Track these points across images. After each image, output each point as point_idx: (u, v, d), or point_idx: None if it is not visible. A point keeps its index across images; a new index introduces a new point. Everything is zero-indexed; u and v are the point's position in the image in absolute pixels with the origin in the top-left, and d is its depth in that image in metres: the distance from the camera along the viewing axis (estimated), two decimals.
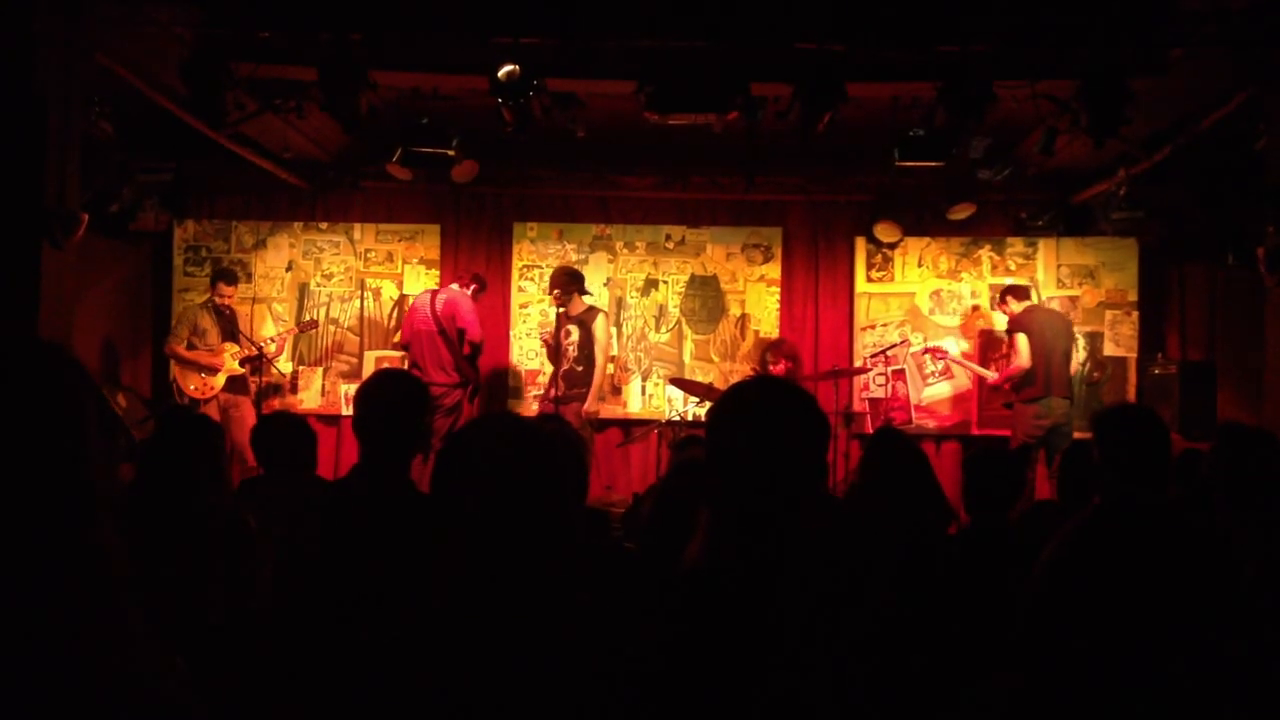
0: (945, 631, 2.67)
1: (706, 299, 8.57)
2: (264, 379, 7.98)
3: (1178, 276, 8.17)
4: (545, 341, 7.53)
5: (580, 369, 7.34)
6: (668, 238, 8.59)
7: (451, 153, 6.92)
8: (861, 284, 8.50)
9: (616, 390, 8.50)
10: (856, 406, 8.34)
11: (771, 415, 1.71)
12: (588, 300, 7.60)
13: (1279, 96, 5.33)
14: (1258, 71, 5.26)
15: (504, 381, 8.52)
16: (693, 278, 8.58)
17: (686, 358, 8.55)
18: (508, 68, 5.37)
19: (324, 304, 8.60)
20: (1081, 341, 8.03)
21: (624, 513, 5.50)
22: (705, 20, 5.36)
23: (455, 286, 7.70)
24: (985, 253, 8.41)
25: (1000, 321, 7.91)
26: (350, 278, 8.62)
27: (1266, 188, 5.36)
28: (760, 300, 8.55)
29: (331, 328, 8.58)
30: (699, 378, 8.22)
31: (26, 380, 1.13)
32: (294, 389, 8.51)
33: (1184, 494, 3.48)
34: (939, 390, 8.39)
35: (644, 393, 8.53)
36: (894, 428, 6.64)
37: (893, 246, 8.43)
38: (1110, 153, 6.55)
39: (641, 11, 5.34)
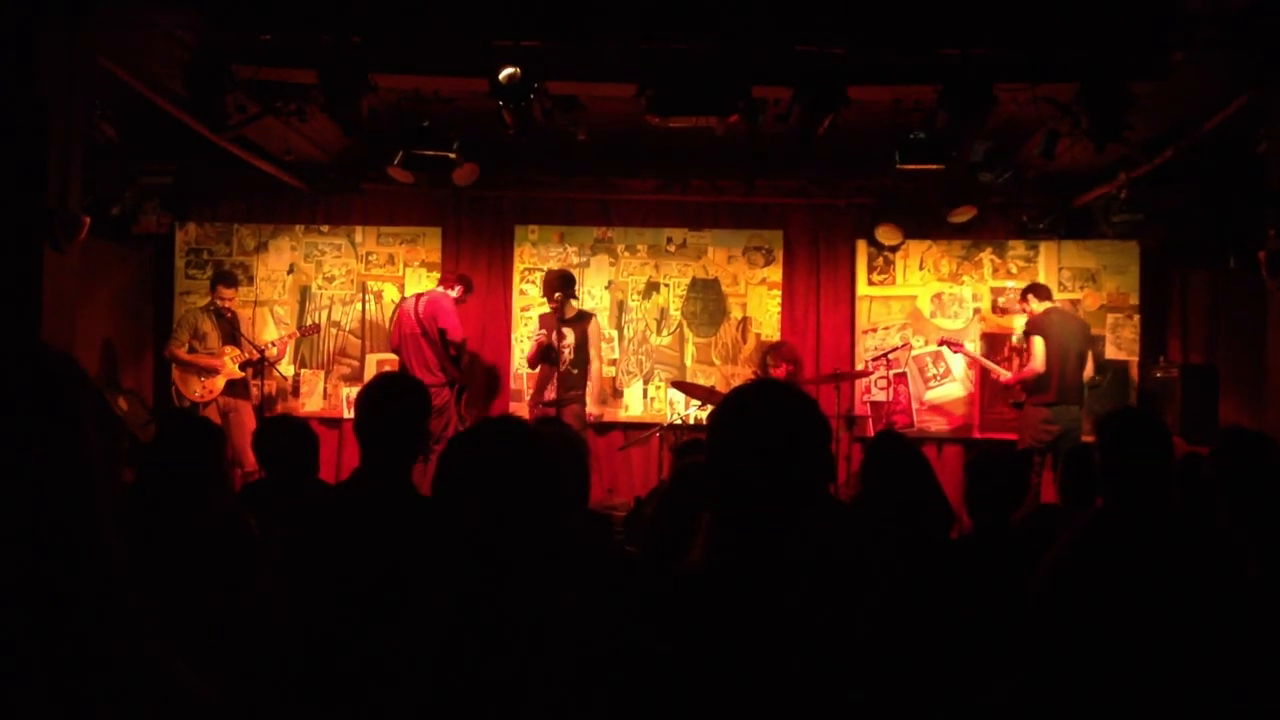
0: (947, 634, 2.67)
1: (708, 302, 8.57)
2: (265, 382, 7.98)
3: (1179, 280, 8.16)
4: (540, 343, 7.39)
5: (575, 371, 7.36)
6: (669, 241, 8.60)
7: (453, 155, 6.92)
8: (863, 287, 8.50)
9: (618, 393, 8.51)
10: (858, 410, 8.34)
11: (773, 419, 1.71)
12: (574, 304, 7.59)
13: None
14: (1259, 74, 5.25)
15: (505, 385, 8.52)
16: (694, 281, 8.58)
17: (688, 361, 8.56)
18: (509, 70, 5.37)
19: (325, 307, 8.61)
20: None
21: (626, 516, 5.50)
22: (706, 23, 5.36)
23: (440, 288, 7.73)
24: (986, 256, 8.41)
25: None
26: (351, 280, 8.62)
27: (1268, 191, 5.35)
28: (761, 303, 8.55)
29: (333, 330, 8.59)
30: (700, 381, 8.23)
31: (25, 384, 1.13)
32: (295, 392, 8.51)
33: (1185, 497, 3.48)
34: (941, 393, 8.39)
35: (646, 396, 8.53)
36: (895, 431, 6.65)
37: (894, 249, 8.43)
38: (1111, 156, 6.55)
39: (643, 14, 5.34)
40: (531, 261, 8.59)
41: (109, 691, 1.08)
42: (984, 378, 8.23)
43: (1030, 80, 5.57)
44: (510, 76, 5.38)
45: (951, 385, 8.38)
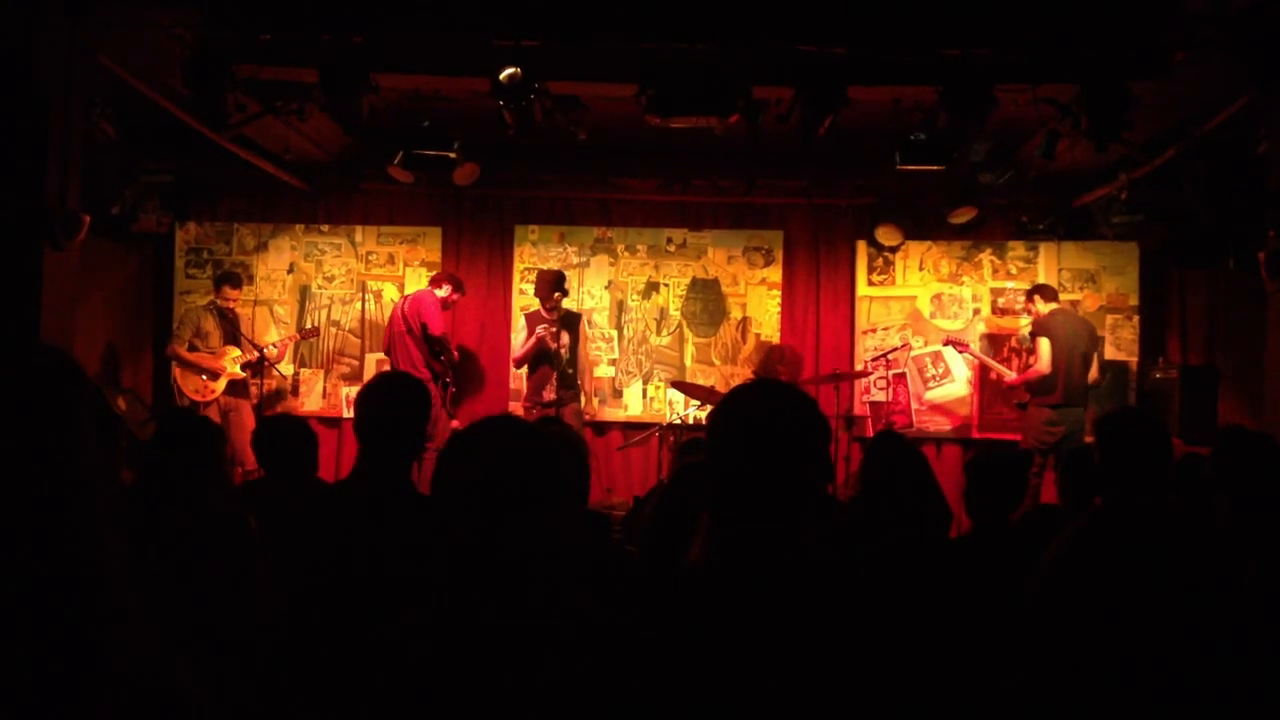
0: (946, 634, 2.67)
1: (708, 302, 8.57)
2: (265, 381, 7.98)
3: (1179, 280, 8.16)
4: (540, 337, 7.34)
5: (570, 371, 7.41)
6: (669, 241, 8.60)
7: (453, 155, 6.92)
8: (862, 287, 8.50)
9: (618, 393, 8.51)
10: (857, 410, 8.34)
11: (772, 419, 1.71)
12: (565, 304, 7.59)
13: None
14: (1259, 75, 5.25)
15: (504, 385, 8.52)
16: (694, 281, 8.58)
17: (687, 361, 8.56)
18: (509, 70, 5.37)
19: (325, 306, 8.61)
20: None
21: (625, 515, 5.51)
22: (707, 23, 5.36)
23: (428, 286, 7.76)
24: (986, 256, 8.41)
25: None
26: (351, 280, 8.62)
27: (1268, 191, 5.35)
28: (761, 303, 8.55)
29: (332, 330, 8.59)
30: (700, 381, 8.23)
31: (23, 383, 1.13)
32: (295, 391, 8.52)
33: (1185, 498, 3.48)
34: (940, 394, 8.39)
35: (645, 396, 8.53)
36: (895, 431, 6.64)
37: (894, 250, 8.43)
38: (1111, 156, 6.55)
39: (643, 14, 5.34)
40: (531, 261, 8.59)
41: (108, 690, 1.07)
42: (983, 378, 8.23)
43: (1030, 81, 5.57)
44: (511, 76, 5.38)
45: (951, 385, 8.38)
